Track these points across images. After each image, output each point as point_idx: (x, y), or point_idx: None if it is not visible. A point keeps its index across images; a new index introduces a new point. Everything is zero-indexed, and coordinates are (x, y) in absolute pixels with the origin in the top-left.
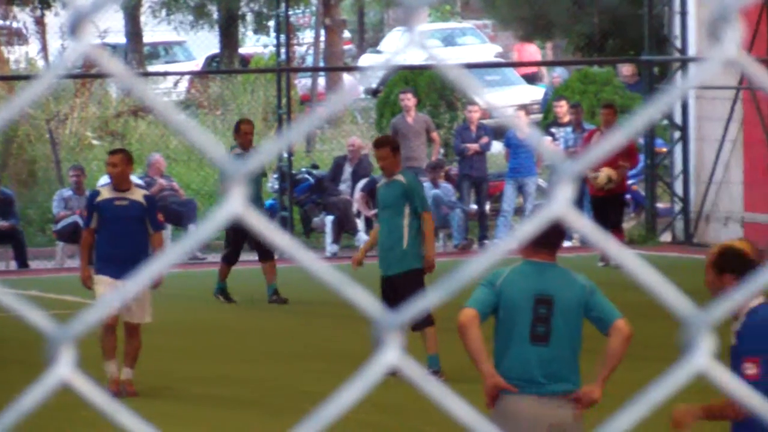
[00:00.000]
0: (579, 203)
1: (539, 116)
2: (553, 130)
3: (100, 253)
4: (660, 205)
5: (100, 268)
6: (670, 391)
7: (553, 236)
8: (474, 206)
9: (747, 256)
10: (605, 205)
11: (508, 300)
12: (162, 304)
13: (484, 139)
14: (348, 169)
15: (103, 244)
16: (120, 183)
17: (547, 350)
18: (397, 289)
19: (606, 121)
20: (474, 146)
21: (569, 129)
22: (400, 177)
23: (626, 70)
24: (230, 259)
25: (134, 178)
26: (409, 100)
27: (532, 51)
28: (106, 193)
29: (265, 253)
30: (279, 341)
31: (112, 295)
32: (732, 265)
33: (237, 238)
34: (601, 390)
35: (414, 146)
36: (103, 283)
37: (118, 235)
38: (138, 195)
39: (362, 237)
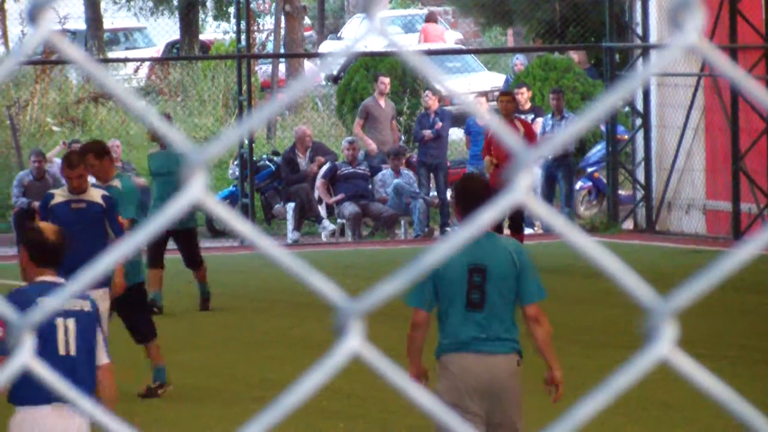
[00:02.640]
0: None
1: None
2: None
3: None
4: (622, 192)
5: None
6: (633, 378)
7: (477, 206)
8: (434, 194)
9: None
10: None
11: (445, 276)
12: None
13: (438, 125)
14: (302, 160)
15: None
16: (79, 185)
17: (482, 315)
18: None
19: (505, 111)
20: (428, 132)
21: (548, 115)
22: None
23: (578, 56)
24: (154, 263)
25: None
26: (388, 84)
27: (439, 31)
28: (60, 197)
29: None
30: (237, 329)
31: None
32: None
33: (156, 241)
34: (559, 370)
35: (384, 130)
36: None
37: (77, 244)
38: (97, 196)
39: (326, 224)
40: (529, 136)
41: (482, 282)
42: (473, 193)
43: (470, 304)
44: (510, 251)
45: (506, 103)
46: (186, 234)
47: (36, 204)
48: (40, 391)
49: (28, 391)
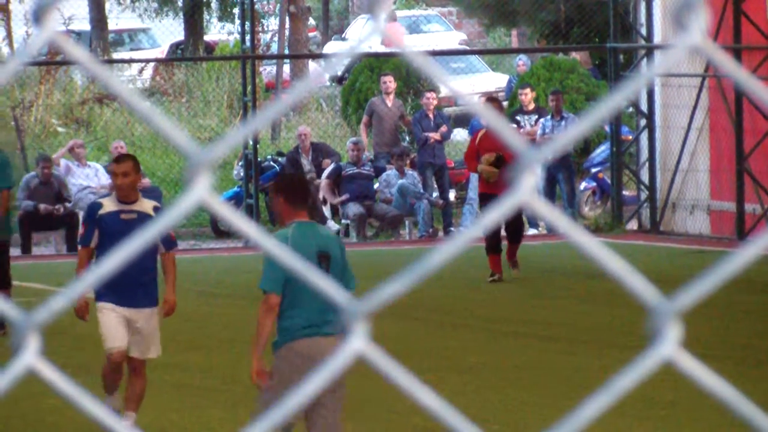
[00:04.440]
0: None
1: (504, 104)
2: (518, 117)
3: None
4: (626, 193)
5: (102, 294)
6: (638, 378)
7: (306, 194)
8: (436, 194)
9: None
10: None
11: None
12: None
13: (443, 128)
14: (306, 160)
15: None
16: (128, 194)
17: (324, 300)
18: None
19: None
20: (435, 135)
21: (548, 116)
22: None
23: (581, 56)
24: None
25: (98, 166)
26: (391, 82)
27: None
28: (110, 206)
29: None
30: (242, 330)
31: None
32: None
33: None
34: None
35: (388, 130)
36: (105, 310)
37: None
38: (148, 207)
39: (330, 225)
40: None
41: (327, 268)
42: (299, 188)
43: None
44: (338, 241)
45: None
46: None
47: (42, 207)
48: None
49: None
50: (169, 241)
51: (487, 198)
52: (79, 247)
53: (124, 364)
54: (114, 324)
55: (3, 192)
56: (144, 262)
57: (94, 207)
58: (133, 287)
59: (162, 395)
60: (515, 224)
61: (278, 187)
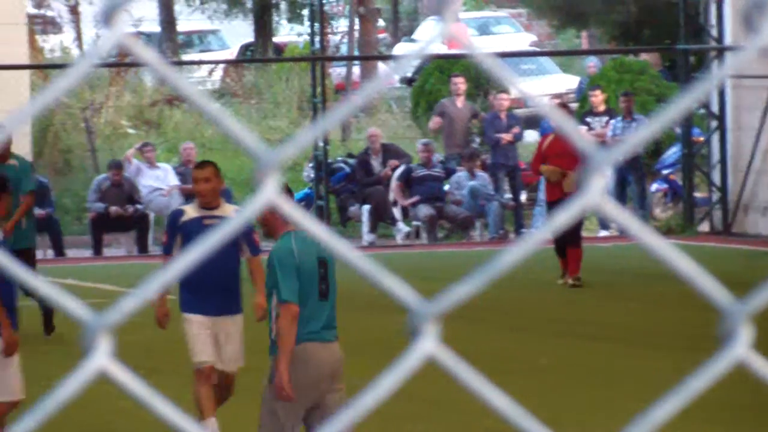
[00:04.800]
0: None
1: (574, 105)
2: (588, 119)
3: (186, 287)
4: (698, 194)
5: (188, 304)
6: (711, 380)
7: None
8: (508, 196)
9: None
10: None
11: (305, 268)
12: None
13: (516, 129)
14: (376, 162)
15: (189, 274)
16: (210, 199)
17: (327, 304)
18: None
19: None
20: (507, 136)
21: (619, 118)
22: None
23: (651, 58)
24: None
25: (167, 167)
26: (461, 84)
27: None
28: (192, 212)
29: None
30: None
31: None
32: None
33: None
34: None
35: (458, 131)
36: (194, 322)
37: (210, 263)
38: (230, 211)
39: (401, 226)
40: None
41: (326, 274)
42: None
43: (321, 294)
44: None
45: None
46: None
47: (113, 209)
48: None
49: None
50: (254, 246)
51: (554, 206)
52: (162, 256)
53: (213, 378)
54: (203, 338)
55: (27, 196)
56: (228, 267)
57: (176, 214)
58: (218, 293)
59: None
60: (576, 227)
61: None
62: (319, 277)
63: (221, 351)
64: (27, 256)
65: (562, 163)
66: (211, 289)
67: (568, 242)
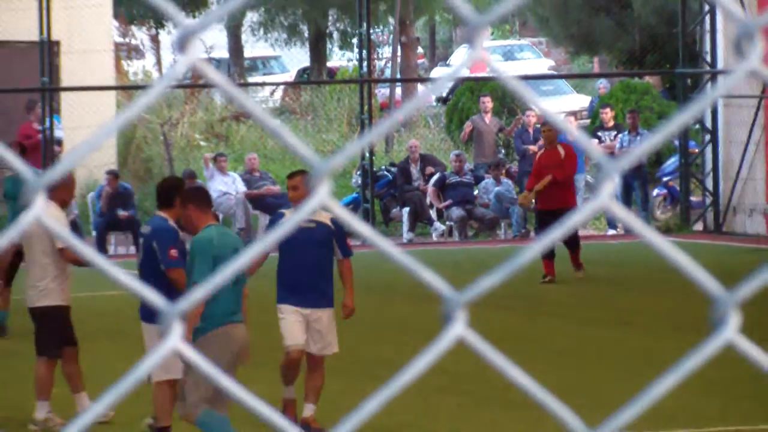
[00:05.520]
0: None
1: (587, 121)
2: (599, 133)
3: (282, 281)
4: (693, 198)
5: (282, 297)
6: (704, 360)
7: (210, 201)
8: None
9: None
10: (551, 221)
11: (222, 257)
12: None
13: (541, 142)
14: (414, 169)
15: (286, 271)
16: (296, 198)
17: (238, 290)
18: None
19: (547, 138)
20: (533, 147)
21: (625, 132)
22: None
23: (654, 80)
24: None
25: (235, 175)
26: (489, 102)
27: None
28: (289, 215)
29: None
30: (360, 317)
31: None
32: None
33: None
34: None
35: (487, 144)
36: (286, 311)
37: (304, 262)
38: (325, 217)
39: (436, 226)
40: (570, 157)
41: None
42: (204, 196)
43: (235, 282)
44: (239, 238)
45: (547, 132)
46: None
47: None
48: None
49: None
50: (346, 249)
51: (544, 214)
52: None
53: (301, 360)
54: (292, 323)
55: None
56: (321, 266)
57: (277, 218)
58: (311, 289)
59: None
60: (570, 234)
61: (187, 197)
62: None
63: (312, 337)
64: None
65: (550, 173)
66: (304, 285)
67: (569, 246)
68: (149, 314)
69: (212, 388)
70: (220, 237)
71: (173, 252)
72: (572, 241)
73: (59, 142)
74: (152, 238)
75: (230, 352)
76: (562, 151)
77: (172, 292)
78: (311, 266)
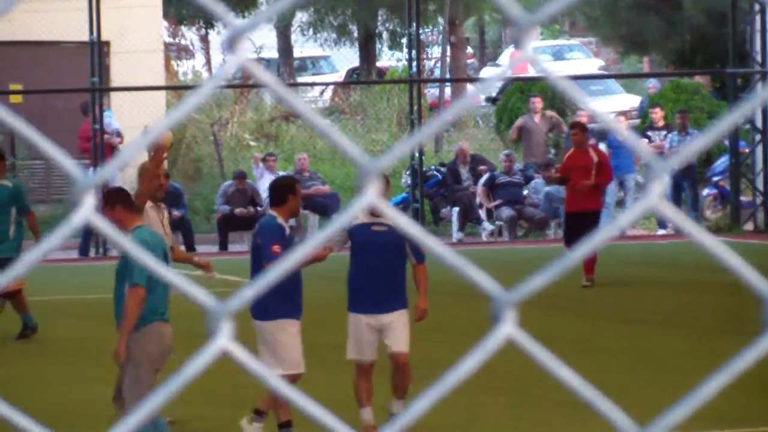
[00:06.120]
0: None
1: (637, 121)
2: (649, 133)
3: (354, 286)
4: (743, 198)
5: (354, 304)
6: (756, 358)
7: (132, 200)
8: None
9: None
10: (579, 223)
11: (156, 258)
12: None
13: (592, 141)
14: (464, 170)
15: (358, 275)
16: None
17: (168, 290)
18: None
19: (576, 141)
20: None
21: (675, 132)
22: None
23: (704, 80)
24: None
25: (284, 174)
26: (538, 102)
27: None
28: (362, 218)
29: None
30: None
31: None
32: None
33: None
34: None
35: (536, 143)
36: (356, 324)
37: (376, 266)
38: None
39: (486, 226)
40: (603, 163)
41: (167, 263)
42: (130, 198)
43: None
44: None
45: (575, 135)
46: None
47: (237, 210)
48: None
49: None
50: (419, 254)
51: (574, 216)
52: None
53: (371, 374)
54: (361, 337)
55: (29, 215)
56: (393, 270)
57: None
58: (383, 293)
59: (338, 374)
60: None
61: (114, 199)
62: (165, 264)
63: (387, 339)
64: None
65: (576, 176)
66: (376, 289)
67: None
68: (259, 312)
69: (151, 388)
70: (151, 238)
71: (275, 248)
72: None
73: (119, 134)
74: (258, 234)
75: (160, 349)
76: (594, 156)
77: (282, 285)
78: (384, 270)
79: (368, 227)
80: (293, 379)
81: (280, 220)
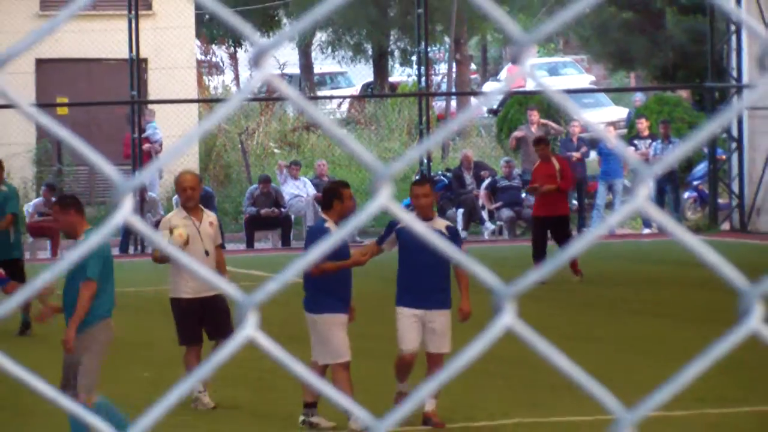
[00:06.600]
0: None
1: (624, 131)
2: (635, 141)
3: (401, 282)
4: (720, 200)
5: (402, 299)
6: (730, 347)
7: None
8: (575, 202)
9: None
10: (546, 226)
11: (108, 258)
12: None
13: (584, 149)
14: (467, 175)
15: (405, 273)
16: (426, 212)
17: (114, 288)
18: None
19: (541, 155)
20: (577, 154)
21: (658, 141)
22: None
23: (685, 93)
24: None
25: (306, 179)
26: (535, 115)
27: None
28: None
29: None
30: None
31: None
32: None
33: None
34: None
35: (533, 151)
36: (404, 315)
37: (421, 266)
38: (441, 225)
39: (488, 225)
40: (565, 169)
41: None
42: (80, 203)
43: (113, 280)
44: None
45: (541, 149)
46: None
47: (263, 211)
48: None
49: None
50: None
51: (542, 220)
52: (373, 241)
53: (414, 362)
54: (408, 328)
55: (9, 216)
56: (437, 270)
57: (394, 221)
58: (427, 291)
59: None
60: (564, 237)
61: (68, 204)
62: (113, 266)
63: (429, 337)
64: (15, 267)
65: (544, 182)
66: (421, 287)
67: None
68: (312, 305)
69: (99, 376)
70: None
71: None
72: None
73: (161, 144)
74: (308, 235)
75: (108, 343)
76: (557, 164)
77: (328, 281)
78: (428, 270)
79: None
80: (344, 367)
81: (328, 223)
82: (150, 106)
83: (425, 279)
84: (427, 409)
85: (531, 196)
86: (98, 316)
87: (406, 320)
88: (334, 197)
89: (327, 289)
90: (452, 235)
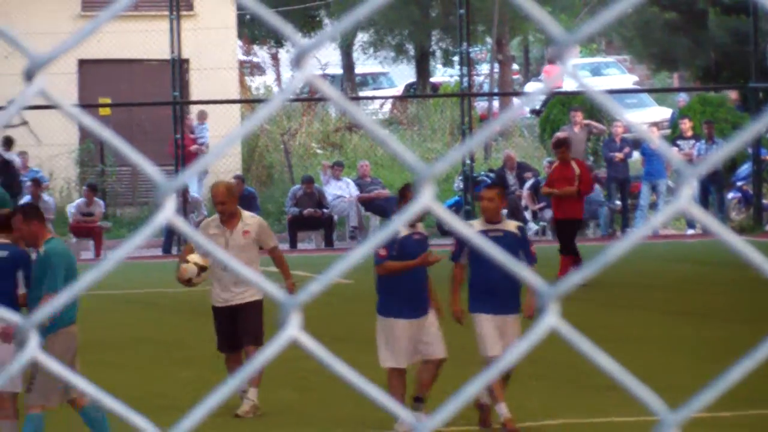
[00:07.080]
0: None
1: (667, 131)
2: (678, 142)
3: (475, 289)
4: (765, 201)
5: (476, 305)
6: None
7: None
8: (618, 203)
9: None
10: (562, 229)
11: (71, 265)
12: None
13: (627, 150)
14: (510, 175)
15: (478, 279)
16: (493, 216)
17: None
18: None
19: (560, 158)
20: (619, 155)
21: (702, 141)
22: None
23: (733, 95)
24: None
25: (349, 180)
26: (578, 116)
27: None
28: (478, 226)
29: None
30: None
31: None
32: None
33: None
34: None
35: (576, 152)
36: (482, 321)
37: (493, 270)
38: (512, 226)
39: (531, 226)
40: (584, 174)
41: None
42: (41, 213)
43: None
44: None
45: (561, 152)
46: None
47: (306, 211)
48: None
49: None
50: (531, 257)
51: (560, 223)
52: (453, 263)
53: (405, 374)
54: (490, 332)
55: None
56: (509, 274)
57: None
58: (500, 295)
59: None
60: (568, 240)
61: (31, 213)
62: (76, 273)
63: (505, 341)
64: None
65: (560, 186)
66: (494, 292)
67: (562, 251)
68: (380, 308)
69: (61, 382)
70: (66, 249)
71: (381, 251)
72: (573, 252)
73: (207, 145)
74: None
75: (67, 352)
76: (576, 168)
77: (401, 287)
78: (500, 274)
79: (484, 234)
80: (399, 373)
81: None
82: (200, 108)
83: (498, 284)
84: (507, 416)
85: (546, 197)
86: (56, 326)
87: (487, 325)
88: (401, 200)
89: (395, 292)
90: (523, 236)
